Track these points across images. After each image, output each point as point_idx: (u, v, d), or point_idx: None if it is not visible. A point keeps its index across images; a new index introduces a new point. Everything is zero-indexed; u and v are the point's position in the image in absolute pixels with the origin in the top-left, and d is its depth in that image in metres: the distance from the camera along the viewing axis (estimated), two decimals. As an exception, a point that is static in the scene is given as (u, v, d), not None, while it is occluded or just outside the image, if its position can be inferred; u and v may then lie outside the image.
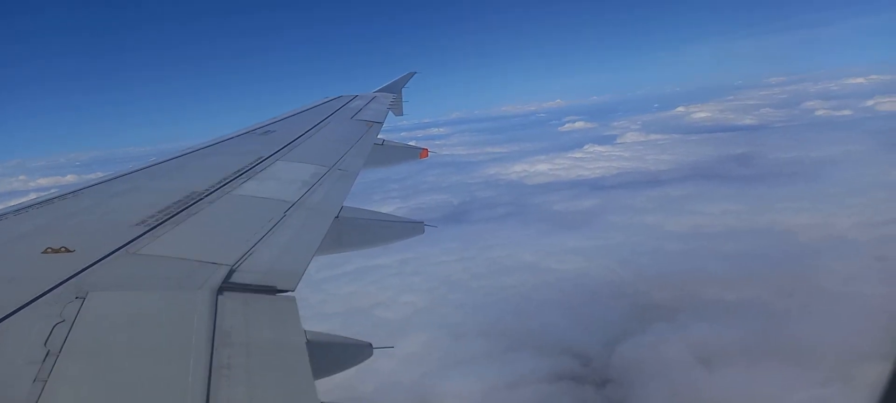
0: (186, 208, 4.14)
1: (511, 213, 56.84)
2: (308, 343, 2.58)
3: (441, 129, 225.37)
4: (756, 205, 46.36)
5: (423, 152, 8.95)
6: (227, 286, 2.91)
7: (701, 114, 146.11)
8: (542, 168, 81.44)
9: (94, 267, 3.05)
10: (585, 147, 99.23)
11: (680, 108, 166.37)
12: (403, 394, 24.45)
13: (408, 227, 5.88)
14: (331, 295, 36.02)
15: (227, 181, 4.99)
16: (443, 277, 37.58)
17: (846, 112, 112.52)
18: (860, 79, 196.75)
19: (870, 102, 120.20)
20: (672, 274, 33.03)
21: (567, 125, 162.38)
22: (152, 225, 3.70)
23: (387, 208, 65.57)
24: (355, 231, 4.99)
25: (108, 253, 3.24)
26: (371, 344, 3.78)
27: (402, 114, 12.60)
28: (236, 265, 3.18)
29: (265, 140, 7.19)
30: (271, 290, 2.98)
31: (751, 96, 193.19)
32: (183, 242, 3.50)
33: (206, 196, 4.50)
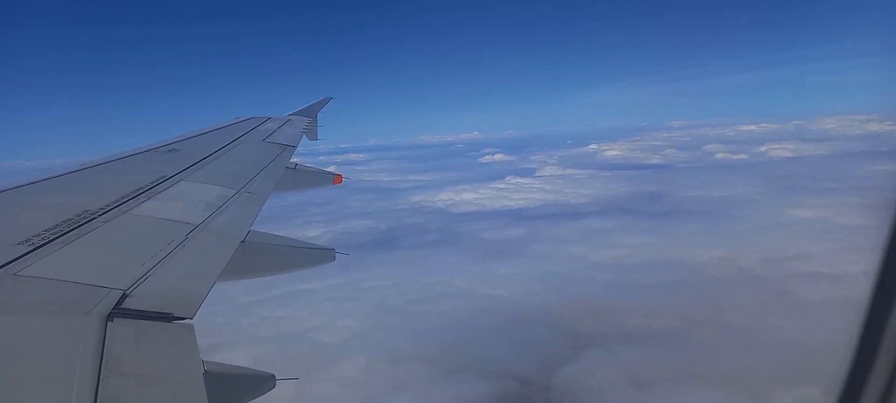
0: (77, 227, 3.85)
1: (440, 240, 57.61)
2: (206, 373, 2.49)
3: (360, 155, 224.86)
4: (670, 240, 49.32)
5: (336, 178, 8.88)
6: (118, 311, 2.73)
7: (612, 151, 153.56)
8: (468, 197, 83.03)
9: None
10: (507, 178, 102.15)
11: (592, 146, 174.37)
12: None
13: (318, 254, 5.65)
14: (262, 320, 35.40)
15: (126, 200, 4.68)
16: (377, 302, 37.67)
17: (743, 156, 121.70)
18: (752, 127, 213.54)
19: (762, 148, 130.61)
20: (600, 302, 34.68)
21: (487, 157, 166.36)
22: (37, 245, 3.42)
23: (312, 233, 65.27)
24: (263, 256, 4.78)
25: None
26: (274, 376, 3.60)
27: (316, 139, 12.48)
28: (130, 290, 3.00)
29: (170, 158, 6.85)
30: (168, 317, 2.82)
31: (656, 137, 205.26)
32: (71, 264, 3.24)
33: (101, 214, 4.20)
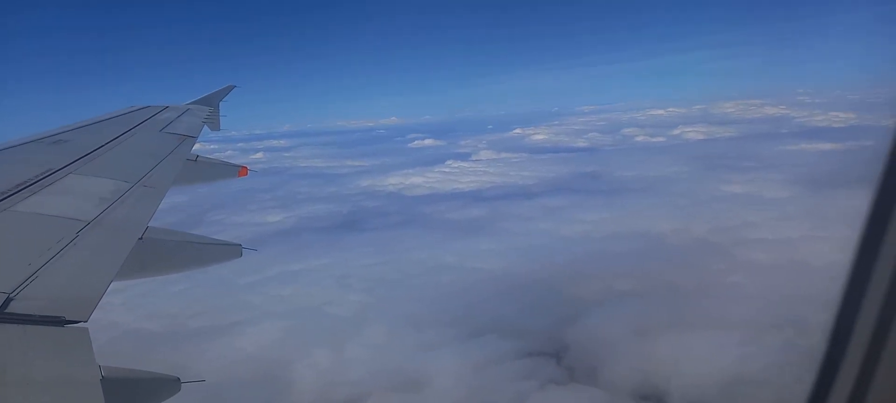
0: None
1: (406, 221, 60.00)
2: (103, 379, 2.38)
3: (281, 141, 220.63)
4: (624, 215, 54.06)
5: (242, 170, 8.48)
6: (2, 316, 2.60)
7: (538, 136, 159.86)
8: (417, 181, 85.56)
9: None
10: (448, 162, 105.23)
11: (517, 130, 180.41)
12: (392, 378, 26.70)
13: (223, 250, 5.34)
14: (272, 298, 36.79)
15: (7, 194, 4.36)
16: (377, 278, 39.82)
17: (660, 138, 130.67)
18: (661, 111, 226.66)
19: (676, 131, 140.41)
20: (584, 269, 38.43)
21: (416, 142, 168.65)
22: None
23: (273, 218, 66.16)
24: (164, 253, 4.54)
25: None
26: (179, 379, 3.36)
27: (219, 129, 11.79)
28: (15, 293, 2.83)
29: (56, 150, 6.32)
30: (59, 321, 2.67)
31: (573, 122, 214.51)
32: None
33: None
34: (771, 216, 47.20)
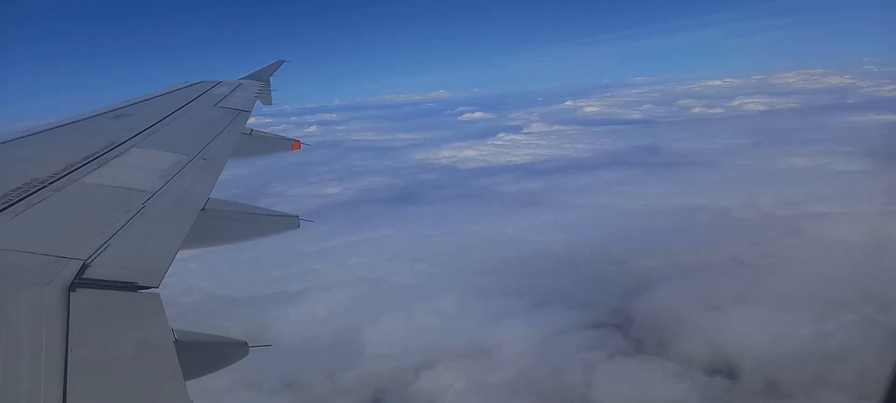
0: (27, 196, 3.74)
1: (462, 194, 60.36)
2: (176, 342, 2.48)
3: (333, 115, 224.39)
4: (685, 188, 53.17)
5: (295, 144, 8.65)
6: (80, 282, 2.70)
7: (590, 108, 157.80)
8: (470, 154, 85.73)
9: None
10: (499, 135, 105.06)
11: (568, 102, 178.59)
12: (462, 345, 27.27)
13: (282, 221, 5.47)
14: (338, 266, 37.77)
15: (75, 167, 4.52)
16: (437, 249, 40.35)
17: (718, 110, 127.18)
18: (717, 82, 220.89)
19: (735, 102, 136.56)
20: (647, 242, 38.12)
21: (466, 115, 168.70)
22: None
23: (332, 190, 67.40)
24: (224, 224, 4.71)
25: None
26: (246, 343, 3.50)
27: (270, 104, 12.02)
28: (90, 259, 2.96)
29: (118, 124, 6.61)
30: (132, 286, 2.80)
31: (626, 94, 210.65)
32: (25, 234, 3.19)
33: (51, 183, 4.08)
34: (841, 190, 45.72)
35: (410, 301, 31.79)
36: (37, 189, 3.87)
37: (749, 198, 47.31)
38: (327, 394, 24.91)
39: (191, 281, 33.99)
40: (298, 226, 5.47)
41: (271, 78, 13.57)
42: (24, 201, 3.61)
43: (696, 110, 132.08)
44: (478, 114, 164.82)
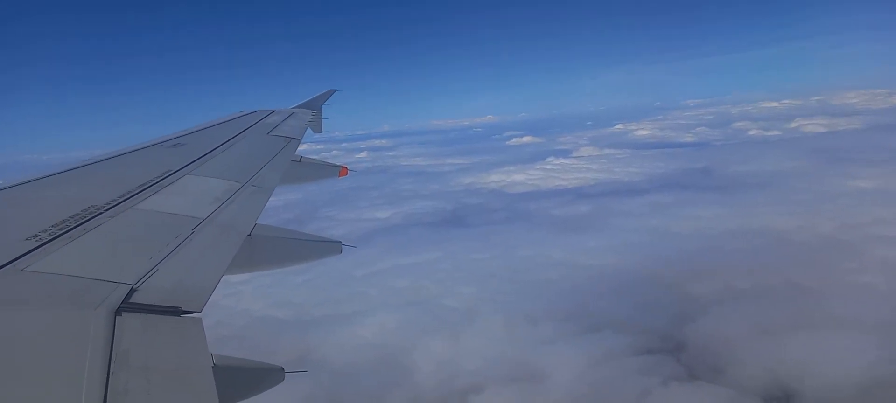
0: (84, 222, 3.92)
1: (511, 218, 60.47)
2: (215, 367, 2.55)
3: (382, 141, 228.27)
4: (740, 211, 51.88)
5: (342, 170, 8.72)
6: (126, 306, 2.81)
7: (641, 131, 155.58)
8: (518, 178, 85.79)
9: None
10: (548, 159, 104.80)
11: (619, 126, 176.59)
12: (511, 370, 27.25)
13: (325, 247, 5.62)
14: (387, 290, 38.29)
15: (131, 194, 4.74)
16: (486, 272, 40.50)
17: (776, 132, 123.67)
18: (774, 104, 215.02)
19: (793, 124, 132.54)
20: (699, 266, 37.33)
21: (514, 140, 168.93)
22: (44, 240, 3.50)
23: (382, 214, 68.27)
24: (269, 249, 4.86)
25: None
26: (282, 368, 3.58)
27: (321, 132, 12.08)
28: (138, 284, 3.08)
29: (174, 153, 6.87)
30: (176, 311, 2.91)
31: (678, 116, 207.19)
32: (79, 258, 3.32)
33: (107, 210, 4.27)
34: (906, 212, 43.86)
35: (459, 324, 31.98)
36: (92, 216, 4.04)
37: (808, 221, 45.86)
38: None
39: (245, 302, 35.06)
40: (341, 252, 5.55)
41: (323, 106, 13.85)
42: (79, 227, 3.77)
43: (752, 132, 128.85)
44: (526, 139, 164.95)
